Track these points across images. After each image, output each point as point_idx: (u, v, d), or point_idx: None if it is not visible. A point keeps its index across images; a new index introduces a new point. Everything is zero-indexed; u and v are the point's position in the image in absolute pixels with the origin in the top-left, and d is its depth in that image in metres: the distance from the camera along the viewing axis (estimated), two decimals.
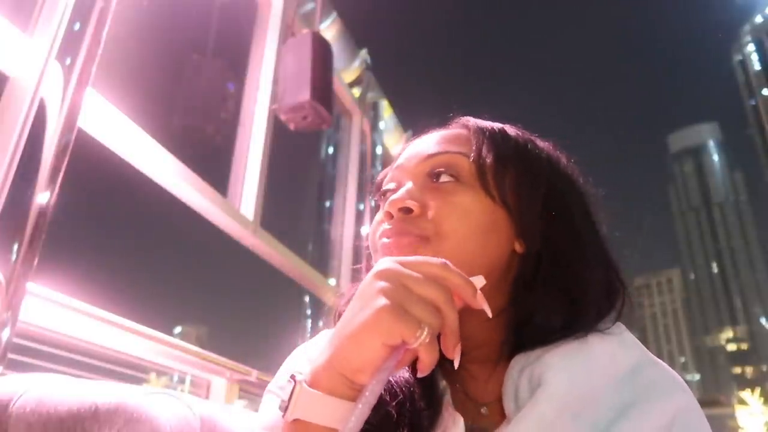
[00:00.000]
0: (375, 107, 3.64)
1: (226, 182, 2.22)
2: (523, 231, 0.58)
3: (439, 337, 0.45)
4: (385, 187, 0.64)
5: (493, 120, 0.66)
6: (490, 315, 0.48)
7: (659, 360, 0.55)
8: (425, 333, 0.42)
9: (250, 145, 2.28)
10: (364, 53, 3.49)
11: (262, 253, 2.28)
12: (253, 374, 1.93)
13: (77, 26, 1.13)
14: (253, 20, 2.52)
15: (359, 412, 0.42)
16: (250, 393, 2.07)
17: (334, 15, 3.04)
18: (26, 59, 1.09)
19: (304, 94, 2.14)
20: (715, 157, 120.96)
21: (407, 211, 0.57)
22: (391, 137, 3.79)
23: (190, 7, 3.27)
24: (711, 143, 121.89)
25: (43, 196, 1.02)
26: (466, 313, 0.48)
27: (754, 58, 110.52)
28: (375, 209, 0.66)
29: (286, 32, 2.44)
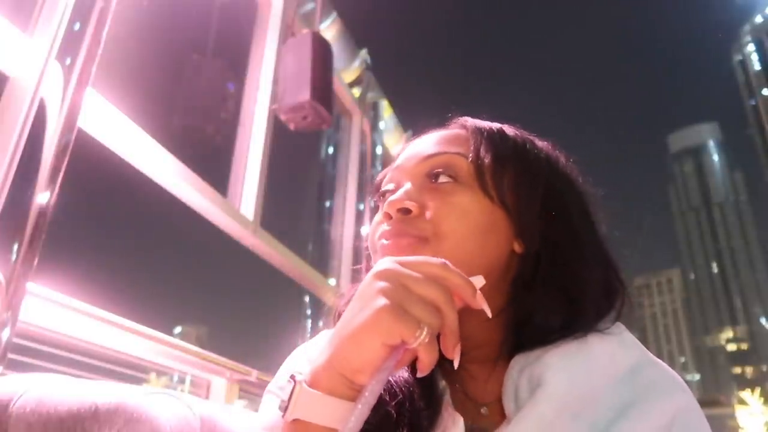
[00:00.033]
0: (375, 107, 3.64)
1: (226, 182, 2.22)
2: (522, 231, 0.58)
3: (438, 337, 0.45)
4: (384, 188, 0.64)
5: (493, 120, 0.66)
6: (489, 315, 0.48)
7: (659, 360, 0.55)
8: (425, 333, 0.42)
9: (250, 145, 2.28)
10: (364, 53, 3.49)
11: (262, 253, 2.28)
12: (253, 374, 1.93)
13: (77, 26, 1.13)
14: (253, 20, 2.52)
15: (359, 412, 0.42)
16: (250, 393, 2.07)
17: (334, 15, 3.04)
18: (26, 59, 1.09)
19: (304, 94, 2.14)
20: (715, 157, 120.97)
21: (406, 211, 0.57)
22: (391, 137, 3.79)
23: (190, 7, 3.27)
24: (711, 143, 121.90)
25: (43, 196, 1.02)
26: (466, 313, 0.48)
27: (754, 58, 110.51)
28: (375, 209, 0.66)
29: (286, 32, 2.44)
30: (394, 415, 0.53)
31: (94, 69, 1.15)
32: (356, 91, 3.46)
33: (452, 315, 0.44)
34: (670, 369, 0.54)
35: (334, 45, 2.44)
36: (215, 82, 3.58)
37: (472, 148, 0.61)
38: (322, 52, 2.27)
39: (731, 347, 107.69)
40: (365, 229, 3.18)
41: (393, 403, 0.53)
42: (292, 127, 2.25)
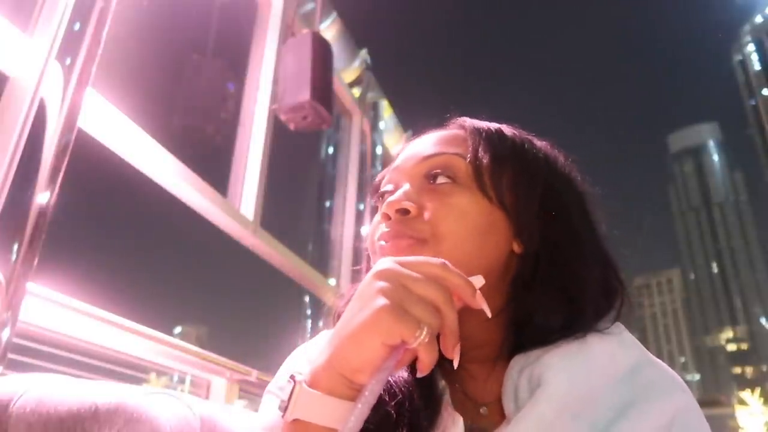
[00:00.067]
0: (375, 107, 3.64)
1: (226, 182, 2.22)
2: (521, 231, 0.58)
3: (438, 337, 0.45)
4: (382, 189, 0.64)
5: (493, 120, 0.66)
6: (489, 315, 0.49)
7: (658, 360, 0.55)
8: (424, 333, 0.42)
9: (250, 145, 2.28)
10: (364, 53, 3.49)
11: (262, 253, 2.28)
12: (253, 374, 1.93)
13: (77, 26, 1.13)
14: (253, 20, 2.52)
15: (359, 412, 0.43)
16: (250, 393, 2.07)
17: (334, 15, 3.04)
18: (26, 59, 1.09)
19: (304, 94, 2.14)
20: (715, 157, 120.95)
21: (404, 212, 0.57)
22: (391, 137, 3.79)
23: (190, 7, 3.27)
24: (711, 143, 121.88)
25: (43, 196, 1.02)
26: (466, 313, 0.48)
27: (754, 58, 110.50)
28: (374, 210, 0.66)
29: (286, 32, 2.44)
30: (394, 415, 0.53)
31: (94, 69, 1.15)
32: (356, 91, 3.46)
33: (452, 315, 0.44)
34: (670, 369, 0.54)
35: (334, 45, 2.44)
36: (215, 82, 3.58)
37: (470, 148, 0.61)
38: (322, 52, 2.27)
39: (731, 347, 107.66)
40: (365, 229, 3.18)
41: (393, 403, 0.53)
42: (292, 127, 2.25)
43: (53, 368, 1.37)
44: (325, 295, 2.75)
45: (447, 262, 0.47)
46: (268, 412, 0.59)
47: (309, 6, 2.77)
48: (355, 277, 0.69)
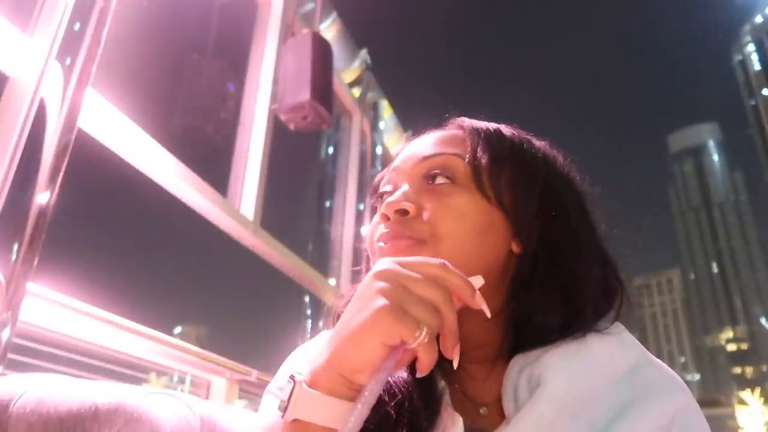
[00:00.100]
0: (375, 107, 3.64)
1: (226, 182, 2.22)
2: (520, 231, 0.58)
3: (438, 337, 0.45)
4: (381, 189, 0.64)
5: (493, 120, 0.66)
6: (488, 315, 0.49)
7: (658, 360, 0.55)
8: (424, 333, 0.42)
9: (250, 145, 2.28)
10: (364, 53, 3.49)
11: (262, 253, 2.28)
12: (253, 374, 1.93)
13: (77, 26, 1.13)
14: (253, 20, 2.52)
15: (358, 412, 0.43)
16: (250, 393, 2.07)
17: (334, 15, 3.04)
18: (26, 59, 1.09)
19: (304, 94, 2.14)
20: (715, 157, 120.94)
21: (403, 212, 0.57)
22: (391, 137, 3.79)
23: (190, 7, 3.27)
24: (711, 143, 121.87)
25: (43, 196, 1.02)
26: (465, 313, 0.48)
27: (754, 58, 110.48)
28: (374, 210, 0.66)
29: (286, 32, 2.44)
30: (394, 416, 0.53)
31: (94, 69, 1.15)
32: (356, 91, 3.46)
33: (451, 315, 0.44)
34: (670, 369, 0.54)
35: (334, 45, 2.44)
36: (215, 82, 3.58)
37: (468, 148, 0.61)
38: (322, 52, 2.27)
39: (731, 347, 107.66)
40: (365, 229, 3.17)
41: (392, 403, 0.53)
42: (292, 127, 2.25)
43: (53, 368, 1.37)
44: (325, 295, 2.75)
45: (446, 262, 0.47)
46: (268, 412, 0.59)
47: (309, 6, 2.77)
48: (355, 277, 0.69)
